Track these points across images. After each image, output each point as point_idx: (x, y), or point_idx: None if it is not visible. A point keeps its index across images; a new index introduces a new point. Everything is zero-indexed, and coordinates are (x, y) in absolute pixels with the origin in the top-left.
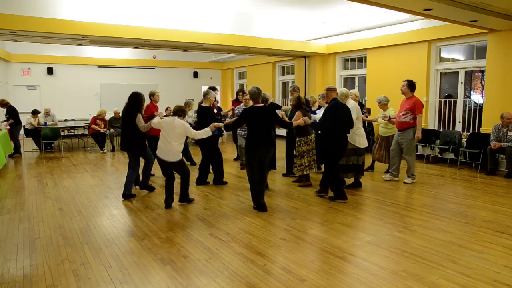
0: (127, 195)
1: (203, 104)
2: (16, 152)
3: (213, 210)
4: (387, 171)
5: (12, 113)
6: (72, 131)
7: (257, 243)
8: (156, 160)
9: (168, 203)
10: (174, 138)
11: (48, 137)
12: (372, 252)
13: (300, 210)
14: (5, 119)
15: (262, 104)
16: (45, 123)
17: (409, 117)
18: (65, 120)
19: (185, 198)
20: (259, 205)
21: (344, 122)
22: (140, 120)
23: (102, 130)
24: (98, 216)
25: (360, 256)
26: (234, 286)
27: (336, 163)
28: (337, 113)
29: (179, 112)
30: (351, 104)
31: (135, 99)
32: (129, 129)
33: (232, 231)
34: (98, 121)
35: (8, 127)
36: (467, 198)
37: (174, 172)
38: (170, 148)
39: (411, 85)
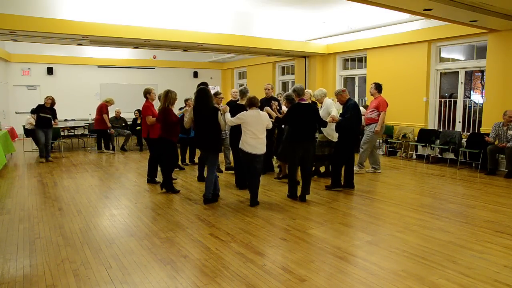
0: (209, 200)
1: (239, 102)
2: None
3: (213, 210)
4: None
5: (55, 113)
6: (72, 131)
7: (257, 243)
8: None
9: (254, 202)
10: (261, 130)
11: None
12: (372, 252)
13: (300, 210)
14: (49, 117)
15: (306, 101)
16: None
17: (374, 114)
18: (65, 120)
19: (256, 201)
20: (292, 194)
21: (360, 120)
22: (221, 117)
23: (109, 125)
24: (98, 216)
25: (360, 256)
26: (234, 286)
27: (346, 156)
28: (357, 112)
29: (258, 104)
30: (329, 102)
31: (209, 94)
32: (211, 128)
33: (232, 231)
34: (104, 115)
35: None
36: (467, 198)
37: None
38: (260, 141)
39: (378, 87)
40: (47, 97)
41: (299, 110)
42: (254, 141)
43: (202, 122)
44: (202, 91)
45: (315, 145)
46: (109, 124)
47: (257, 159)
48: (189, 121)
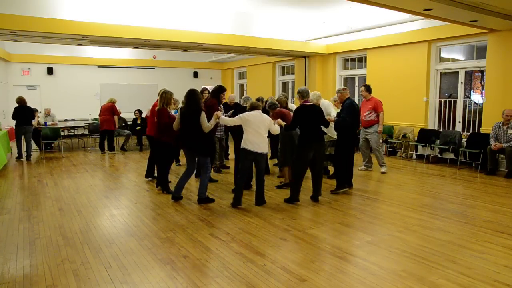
0: (175, 198)
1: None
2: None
3: (213, 210)
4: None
5: (14, 113)
6: (72, 131)
7: (257, 243)
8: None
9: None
10: (264, 130)
11: (48, 137)
12: (372, 252)
13: (300, 210)
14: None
15: (311, 103)
16: (45, 123)
17: (373, 115)
18: (65, 120)
19: (263, 200)
20: (295, 198)
21: (357, 119)
22: (204, 119)
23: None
24: (98, 216)
25: (360, 256)
26: (234, 286)
27: (345, 156)
28: (355, 111)
29: (259, 107)
30: (326, 103)
31: (195, 96)
32: (196, 129)
33: (232, 231)
34: (115, 116)
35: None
36: (467, 198)
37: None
38: (262, 140)
39: (368, 89)
40: None
41: (306, 112)
42: (258, 139)
43: (187, 123)
44: (189, 92)
45: (324, 146)
46: (117, 125)
47: (259, 158)
48: (176, 124)
